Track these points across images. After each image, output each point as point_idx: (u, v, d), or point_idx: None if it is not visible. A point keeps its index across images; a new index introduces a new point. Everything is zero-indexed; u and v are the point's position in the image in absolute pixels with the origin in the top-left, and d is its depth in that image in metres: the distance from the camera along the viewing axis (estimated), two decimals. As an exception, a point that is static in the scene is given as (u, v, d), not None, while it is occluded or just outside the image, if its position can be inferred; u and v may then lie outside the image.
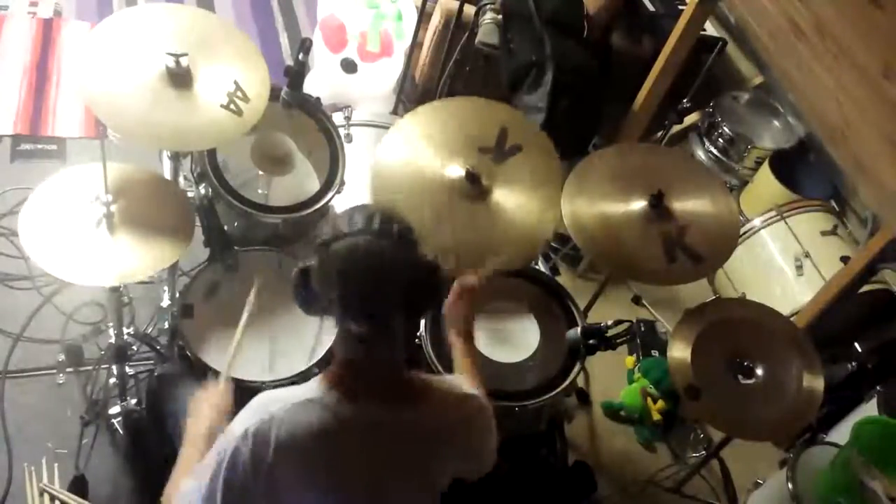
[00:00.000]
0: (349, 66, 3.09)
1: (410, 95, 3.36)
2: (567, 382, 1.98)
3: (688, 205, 2.14)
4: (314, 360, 1.94)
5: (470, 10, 2.92)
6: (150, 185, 1.95)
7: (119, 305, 2.02)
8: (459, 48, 2.96)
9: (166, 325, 2.33)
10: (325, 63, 3.13)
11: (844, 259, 2.75)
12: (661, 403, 2.64)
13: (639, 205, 2.11)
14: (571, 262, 3.04)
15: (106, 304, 2.43)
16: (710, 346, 2.06)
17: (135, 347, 2.29)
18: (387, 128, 2.21)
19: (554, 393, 1.96)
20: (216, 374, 1.84)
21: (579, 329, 1.99)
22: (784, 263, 2.90)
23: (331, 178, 2.16)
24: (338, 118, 2.40)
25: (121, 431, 2.24)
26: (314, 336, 1.99)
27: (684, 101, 2.51)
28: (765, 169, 3.22)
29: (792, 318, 2.51)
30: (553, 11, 2.87)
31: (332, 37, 3.11)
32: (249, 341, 1.94)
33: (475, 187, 2.02)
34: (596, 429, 2.72)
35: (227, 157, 2.09)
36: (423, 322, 1.99)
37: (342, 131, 2.32)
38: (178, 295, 2.09)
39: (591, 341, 1.95)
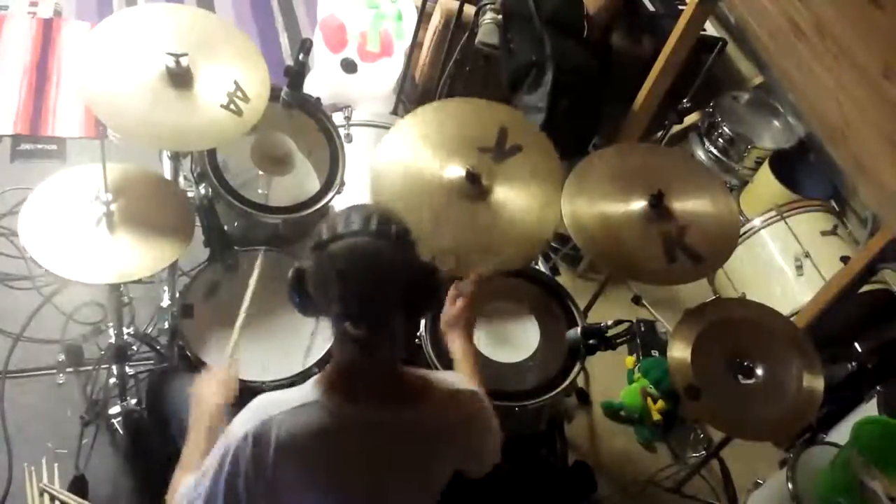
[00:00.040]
0: (349, 66, 3.09)
1: (410, 95, 3.36)
2: (567, 382, 1.98)
3: (688, 205, 2.14)
4: (314, 361, 1.94)
5: (470, 10, 2.92)
6: (150, 184, 1.95)
7: (119, 305, 2.02)
8: (459, 48, 2.96)
9: (166, 325, 2.33)
10: (325, 63, 3.13)
11: (844, 259, 2.75)
12: (661, 403, 2.64)
13: (639, 205, 2.11)
14: (571, 262, 3.04)
15: (106, 304, 2.43)
16: (710, 346, 2.06)
17: (135, 347, 2.29)
18: (387, 128, 2.21)
19: (554, 393, 1.96)
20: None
21: (579, 329, 1.99)
22: (784, 263, 2.90)
23: (331, 178, 2.16)
24: (338, 118, 2.40)
25: (121, 431, 2.25)
26: (313, 336, 1.99)
27: (684, 101, 2.50)
28: (765, 169, 3.22)
29: (792, 318, 2.51)
30: (553, 11, 2.87)
31: (332, 37, 3.11)
32: (248, 341, 1.94)
33: (475, 187, 2.02)
34: (596, 429, 2.72)
35: (227, 157, 2.09)
36: (423, 322, 1.99)
37: (342, 131, 2.32)
38: (178, 295, 2.09)
39: (591, 341, 1.95)
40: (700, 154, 3.44)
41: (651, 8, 3.27)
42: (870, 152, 2.24)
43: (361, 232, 1.16)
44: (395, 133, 2.09)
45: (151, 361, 2.33)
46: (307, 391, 1.24)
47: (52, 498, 2.01)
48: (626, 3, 3.23)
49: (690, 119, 3.43)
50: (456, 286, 1.66)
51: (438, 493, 1.35)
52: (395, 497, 1.28)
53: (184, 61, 1.86)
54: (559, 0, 2.91)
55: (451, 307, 1.64)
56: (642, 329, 2.95)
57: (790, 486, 2.18)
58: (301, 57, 2.01)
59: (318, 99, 2.20)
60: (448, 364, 1.94)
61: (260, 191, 2.11)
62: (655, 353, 2.87)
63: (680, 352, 2.05)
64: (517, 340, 2.06)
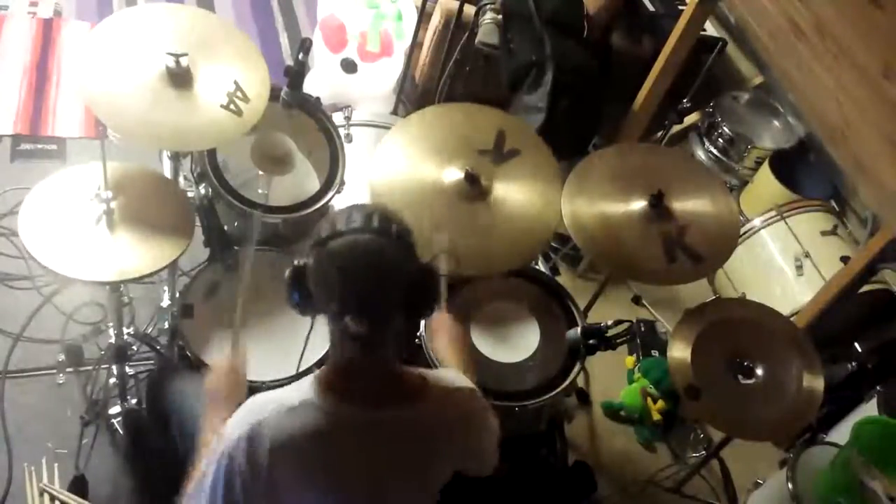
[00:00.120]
0: (349, 66, 3.09)
1: (410, 95, 3.36)
2: (567, 382, 1.98)
3: (688, 205, 2.14)
4: (313, 361, 1.93)
5: (470, 10, 2.92)
6: (150, 184, 1.95)
7: (119, 305, 2.02)
8: (459, 48, 2.96)
9: (166, 325, 2.33)
10: (325, 63, 3.13)
11: (844, 259, 2.75)
12: (661, 403, 2.64)
13: (639, 205, 2.11)
14: (571, 262, 3.04)
15: (106, 304, 2.43)
16: (710, 346, 2.06)
17: (135, 347, 2.28)
18: (387, 128, 2.21)
19: (554, 393, 1.96)
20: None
21: (579, 329, 1.99)
22: (784, 263, 2.90)
23: (331, 178, 2.16)
24: (338, 118, 2.40)
25: (121, 431, 2.24)
26: (312, 336, 1.98)
27: (684, 101, 2.50)
28: (765, 169, 3.22)
29: (792, 318, 2.51)
30: (553, 11, 2.87)
31: (332, 37, 3.11)
32: (248, 341, 1.94)
33: (474, 188, 2.02)
34: (596, 429, 2.72)
35: (227, 157, 2.09)
36: (423, 322, 1.99)
37: (342, 131, 2.32)
38: (178, 295, 2.09)
39: (591, 341, 1.95)
40: (700, 154, 3.44)
41: (651, 8, 3.27)
42: (870, 152, 2.24)
43: (363, 229, 1.16)
44: (393, 135, 2.10)
45: (151, 361, 2.33)
46: (303, 390, 1.23)
47: (52, 498, 2.01)
48: (626, 3, 3.23)
49: (690, 119, 3.43)
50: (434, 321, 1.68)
51: (438, 493, 1.34)
52: (394, 496, 1.28)
53: (184, 61, 1.86)
54: (559, 0, 2.91)
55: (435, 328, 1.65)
56: (642, 329, 2.95)
57: (790, 486, 2.18)
58: (301, 57, 2.01)
59: (318, 99, 2.20)
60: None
61: (260, 191, 2.11)
62: (655, 353, 2.87)
63: (680, 352, 2.05)
64: (517, 340, 2.06)
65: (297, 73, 2.03)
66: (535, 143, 2.19)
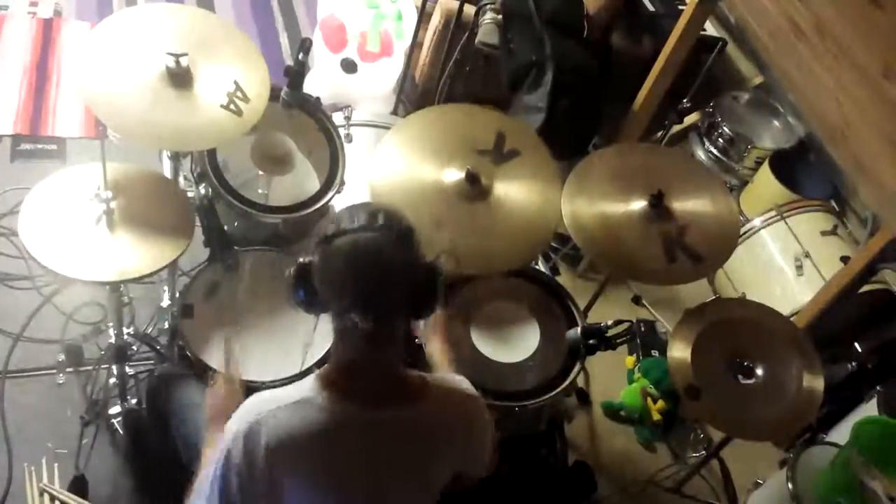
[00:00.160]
0: (349, 66, 3.09)
1: (410, 95, 3.37)
2: (567, 382, 1.98)
3: (688, 205, 2.14)
4: (313, 360, 1.93)
5: (470, 10, 2.92)
6: (150, 184, 1.95)
7: (119, 305, 2.02)
8: (459, 48, 2.96)
9: (166, 325, 2.33)
10: (325, 63, 3.13)
11: (844, 259, 2.75)
12: (661, 403, 2.64)
13: (639, 205, 2.11)
14: (571, 262, 3.04)
15: (106, 304, 2.43)
16: (710, 346, 2.06)
17: (135, 347, 2.29)
18: (387, 128, 2.21)
19: (554, 393, 1.96)
20: (216, 373, 1.84)
21: (579, 329, 1.99)
22: (784, 263, 2.90)
23: (331, 178, 2.16)
24: (338, 118, 2.40)
25: (121, 431, 2.24)
26: (313, 335, 1.99)
27: (684, 101, 2.50)
28: (765, 169, 3.22)
29: (792, 318, 2.51)
30: (553, 11, 2.87)
31: (332, 37, 3.11)
32: (248, 341, 1.94)
33: (475, 188, 2.02)
34: (596, 429, 2.72)
35: (227, 157, 2.09)
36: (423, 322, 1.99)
37: (342, 131, 2.31)
38: (178, 295, 2.09)
39: (591, 341, 1.95)
40: (700, 154, 3.44)
41: (651, 8, 3.27)
42: (870, 152, 2.24)
43: (368, 227, 1.17)
44: (393, 135, 2.10)
45: (151, 361, 2.33)
46: (305, 389, 1.24)
47: (52, 498, 2.01)
48: (626, 3, 3.23)
49: (690, 119, 3.43)
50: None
51: (438, 494, 1.34)
52: (394, 496, 1.28)
53: (184, 61, 1.86)
54: (559, 0, 2.91)
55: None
56: (642, 329, 2.95)
57: (790, 486, 2.18)
58: (301, 57, 2.01)
59: (318, 99, 2.20)
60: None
61: (260, 191, 2.11)
62: (655, 353, 2.87)
63: (680, 352, 2.05)
64: (517, 340, 2.06)
65: (297, 73, 2.03)
66: (534, 143, 2.19)
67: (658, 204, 2.09)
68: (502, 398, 1.91)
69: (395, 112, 3.12)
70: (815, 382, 2.05)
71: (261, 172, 2.11)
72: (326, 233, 1.19)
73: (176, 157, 2.14)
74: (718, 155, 3.38)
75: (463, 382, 1.38)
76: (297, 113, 2.15)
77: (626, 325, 1.96)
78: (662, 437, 2.71)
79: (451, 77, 3.02)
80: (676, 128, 2.79)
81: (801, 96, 2.60)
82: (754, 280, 2.96)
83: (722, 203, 2.18)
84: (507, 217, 2.05)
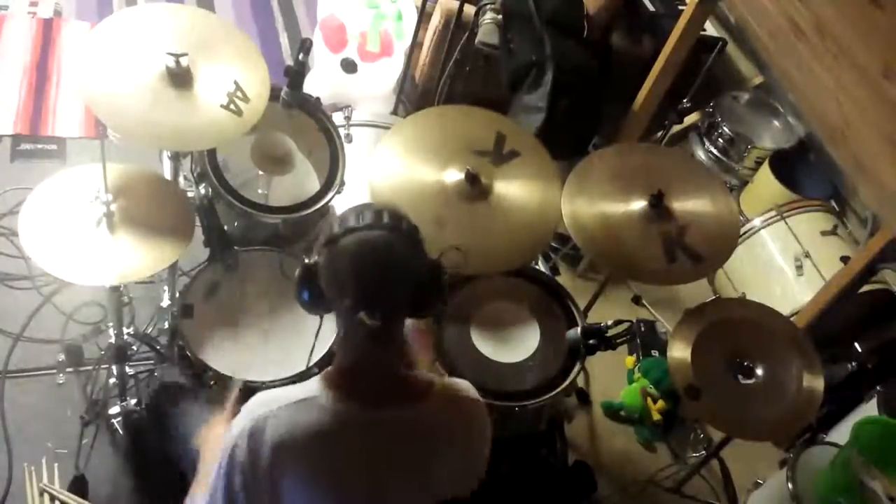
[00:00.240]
0: (349, 66, 3.09)
1: (410, 95, 3.37)
2: (567, 382, 1.98)
3: (688, 205, 2.14)
4: (314, 360, 1.93)
5: (470, 10, 2.92)
6: (150, 184, 1.95)
7: (119, 305, 2.02)
8: (459, 48, 2.96)
9: (166, 325, 2.33)
10: (325, 63, 3.13)
11: (844, 259, 2.75)
12: (661, 403, 2.64)
13: (639, 205, 2.11)
14: (571, 262, 3.04)
15: (106, 304, 2.43)
16: (710, 346, 2.06)
17: (135, 347, 2.29)
18: (387, 128, 2.21)
19: (554, 393, 1.96)
20: (216, 373, 1.85)
21: (579, 329, 1.99)
22: (784, 263, 2.90)
23: (331, 178, 2.16)
24: (338, 118, 2.40)
25: (121, 431, 2.24)
26: (313, 336, 1.98)
27: (684, 101, 2.51)
28: (765, 169, 3.22)
29: (792, 318, 2.51)
30: (553, 11, 2.87)
31: (332, 37, 3.11)
32: (249, 341, 1.94)
33: (475, 188, 2.02)
34: (596, 429, 2.72)
35: (227, 157, 2.09)
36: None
37: (342, 131, 2.31)
38: (178, 295, 2.09)
39: (591, 341, 1.95)
40: (700, 154, 3.44)
41: (651, 8, 3.27)
42: (870, 152, 2.24)
43: (374, 226, 1.18)
44: (393, 136, 2.10)
45: (151, 361, 2.33)
46: (309, 388, 1.24)
47: (52, 498, 2.02)
48: (626, 3, 3.23)
49: (690, 119, 3.43)
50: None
51: (438, 498, 1.34)
52: (394, 497, 1.28)
53: (184, 61, 1.86)
54: (559, 0, 2.91)
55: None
56: (642, 329, 2.95)
57: (790, 486, 2.18)
58: (301, 57, 2.01)
59: (318, 99, 2.20)
60: (447, 364, 1.95)
61: (260, 191, 2.11)
62: (655, 353, 2.87)
63: (680, 352, 2.05)
64: (517, 340, 2.06)
65: (297, 73, 2.03)
66: (533, 144, 2.20)
67: (658, 204, 2.09)
68: (502, 398, 1.91)
69: (395, 112, 3.12)
70: (815, 382, 2.05)
71: (261, 172, 2.11)
72: (332, 233, 1.20)
73: (176, 157, 2.14)
74: (718, 155, 3.39)
75: (469, 388, 1.38)
76: (297, 113, 2.15)
77: (626, 325, 1.96)
78: (662, 437, 2.71)
79: (451, 77, 3.02)
80: (676, 128, 2.80)
81: (801, 96, 2.60)
82: (754, 280, 2.96)
83: (722, 203, 2.18)
84: (507, 217, 2.05)
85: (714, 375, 2.03)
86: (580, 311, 2.13)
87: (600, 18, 3.13)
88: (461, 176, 2.02)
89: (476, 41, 2.89)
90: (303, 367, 1.91)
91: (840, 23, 2.19)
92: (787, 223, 2.95)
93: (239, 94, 1.91)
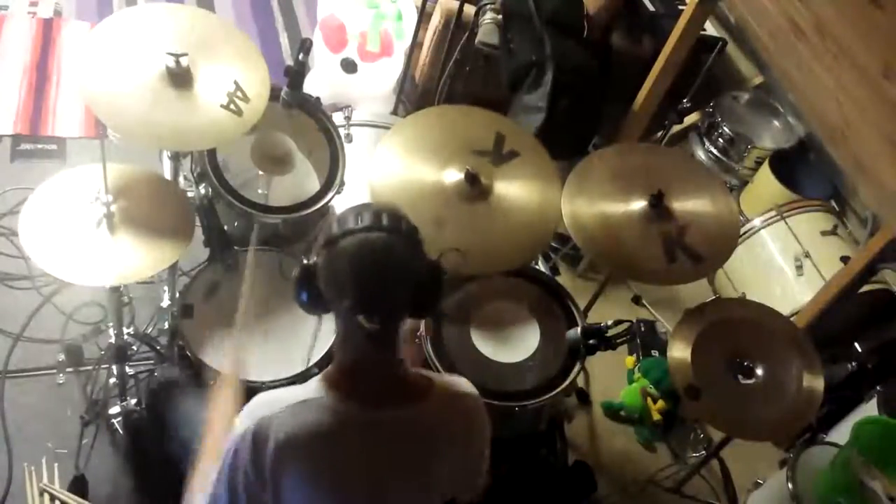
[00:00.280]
0: (349, 66, 3.09)
1: (410, 95, 3.37)
2: (567, 382, 1.98)
3: (688, 205, 2.14)
4: (313, 361, 1.94)
5: (470, 10, 2.92)
6: (150, 185, 1.95)
7: (119, 305, 2.02)
8: (459, 48, 2.96)
9: (166, 325, 2.33)
10: (325, 63, 3.13)
11: (844, 259, 2.75)
12: (661, 403, 2.64)
13: (639, 205, 2.11)
14: (571, 262, 3.04)
15: (106, 304, 2.43)
16: (710, 346, 2.06)
17: (135, 347, 2.29)
18: (387, 128, 2.21)
19: (554, 393, 1.96)
20: (216, 374, 1.85)
21: (579, 329, 1.99)
22: (784, 263, 2.90)
23: (331, 178, 2.16)
24: (338, 118, 2.40)
25: (121, 431, 2.24)
26: (313, 336, 1.99)
27: (684, 101, 2.51)
28: (765, 169, 3.22)
29: (792, 318, 2.51)
30: (553, 11, 2.87)
31: (332, 37, 3.11)
32: (248, 341, 1.94)
33: (475, 188, 2.02)
34: (596, 429, 2.72)
35: (227, 157, 2.09)
36: (422, 322, 1.99)
37: (342, 131, 2.32)
38: (178, 295, 2.09)
39: (591, 341, 1.95)
40: (700, 154, 3.44)
41: (651, 8, 3.27)
42: (870, 152, 2.24)
43: (373, 227, 1.17)
44: (392, 136, 2.10)
45: (151, 361, 2.33)
46: (310, 389, 1.24)
47: (52, 498, 2.02)
48: (626, 3, 3.23)
49: (690, 119, 3.43)
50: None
51: (439, 498, 1.34)
52: (395, 497, 1.28)
53: (184, 61, 1.86)
54: (559, 0, 2.91)
55: None
56: (642, 329, 2.95)
57: (790, 486, 2.18)
58: (301, 57, 2.01)
59: (318, 99, 2.20)
60: (448, 364, 1.95)
61: (260, 191, 2.11)
62: (655, 353, 2.87)
63: (680, 352, 2.05)
64: (517, 340, 2.06)
65: (297, 73, 2.03)
66: (533, 144, 2.20)
67: (658, 204, 2.09)
68: (502, 398, 1.91)
69: (395, 112, 3.12)
70: (815, 382, 2.05)
71: (261, 172, 2.11)
72: (331, 233, 1.19)
73: (176, 157, 2.14)
74: (718, 155, 3.38)
75: (467, 384, 1.38)
76: (297, 113, 2.15)
77: (626, 325, 1.96)
78: (662, 437, 2.71)
79: (451, 77, 3.02)
80: (676, 128, 2.79)
81: (801, 96, 2.60)
82: (754, 280, 2.96)
83: (722, 203, 2.18)
84: (507, 217, 2.04)
85: (714, 375, 2.03)
86: (580, 311, 2.13)
87: (600, 18, 3.13)
88: (461, 176, 2.02)
89: (476, 41, 2.89)
90: (302, 367, 1.91)
91: (840, 23, 2.19)
92: (787, 223, 2.95)
93: (239, 94, 1.91)
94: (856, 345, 2.63)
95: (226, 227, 2.10)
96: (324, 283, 1.21)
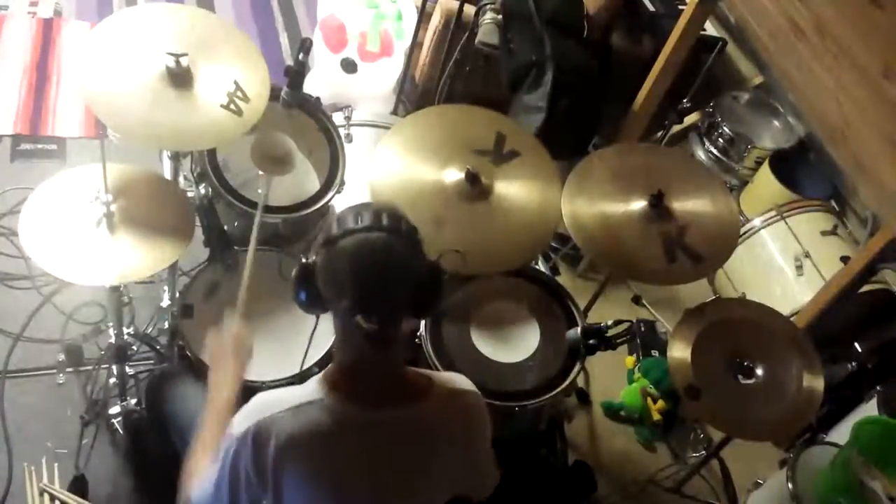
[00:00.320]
0: (349, 66, 3.09)
1: (410, 95, 3.37)
2: (567, 382, 1.98)
3: (688, 205, 2.14)
4: (313, 360, 1.93)
5: (470, 10, 2.92)
6: (150, 185, 1.95)
7: (119, 305, 2.02)
8: (459, 48, 2.96)
9: (166, 325, 2.33)
10: (325, 63, 3.13)
11: (844, 259, 2.75)
12: (661, 403, 2.64)
13: (639, 205, 2.11)
14: (571, 262, 3.04)
15: (106, 304, 2.43)
16: (710, 346, 2.06)
17: (135, 347, 2.29)
18: (387, 128, 2.21)
19: (554, 393, 1.96)
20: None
21: (579, 329, 1.99)
22: (784, 263, 2.90)
23: (331, 178, 2.16)
24: (338, 118, 2.40)
25: (121, 431, 2.25)
26: (313, 336, 1.99)
27: (684, 101, 2.51)
28: (765, 169, 3.22)
29: (792, 318, 2.51)
30: (553, 11, 2.87)
31: (332, 37, 3.11)
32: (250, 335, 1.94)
33: (475, 188, 2.02)
34: (596, 429, 2.72)
35: (227, 156, 2.09)
36: (423, 322, 1.99)
37: (342, 131, 2.32)
38: (178, 295, 2.09)
39: (591, 341, 1.95)
40: (700, 154, 3.44)
41: (651, 8, 3.27)
42: (870, 152, 2.24)
43: (373, 227, 1.17)
44: (392, 136, 2.10)
45: (151, 361, 2.33)
46: (310, 390, 1.24)
47: (52, 498, 2.01)
48: (626, 3, 3.23)
49: (690, 119, 3.43)
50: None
51: (440, 499, 1.34)
52: (396, 497, 1.28)
53: (184, 61, 1.86)
54: (559, 0, 2.91)
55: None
56: (642, 329, 2.95)
57: (790, 486, 2.18)
58: (301, 57, 2.01)
59: (318, 99, 2.20)
60: (448, 363, 1.95)
61: (260, 191, 2.11)
62: (655, 353, 2.87)
63: (680, 352, 2.05)
64: (517, 340, 2.06)
65: (297, 73, 2.03)
66: (533, 144, 2.20)
67: (658, 204, 2.09)
68: (502, 398, 1.91)
69: (395, 112, 3.12)
70: (815, 382, 2.05)
71: (261, 172, 2.11)
72: (330, 233, 1.19)
73: (176, 157, 2.14)
74: (718, 155, 3.38)
75: (465, 381, 1.38)
76: (297, 113, 2.15)
77: (626, 325, 1.96)
78: (662, 437, 2.71)
79: (451, 77, 3.02)
80: (676, 128, 2.80)
81: (801, 96, 2.60)
82: (754, 280, 2.96)
83: (722, 203, 2.18)
84: (507, 217, 2.05)
85: (714, 375, 2.03)
86: (580, 311, 2.13)
87: (600, 18, 3.13)
88: (461, 176, 2.02)
89: (476, 41, 2.89)
90: (302, 367, 1.91)
91: (840, 23, 2.19)
92: (787, 223, 2.95)
93: (239, 93, 1.91)
94: (856, 345, 2.63)
95: (226, 227, 2.10)
96: (323, 283, 1.21)
